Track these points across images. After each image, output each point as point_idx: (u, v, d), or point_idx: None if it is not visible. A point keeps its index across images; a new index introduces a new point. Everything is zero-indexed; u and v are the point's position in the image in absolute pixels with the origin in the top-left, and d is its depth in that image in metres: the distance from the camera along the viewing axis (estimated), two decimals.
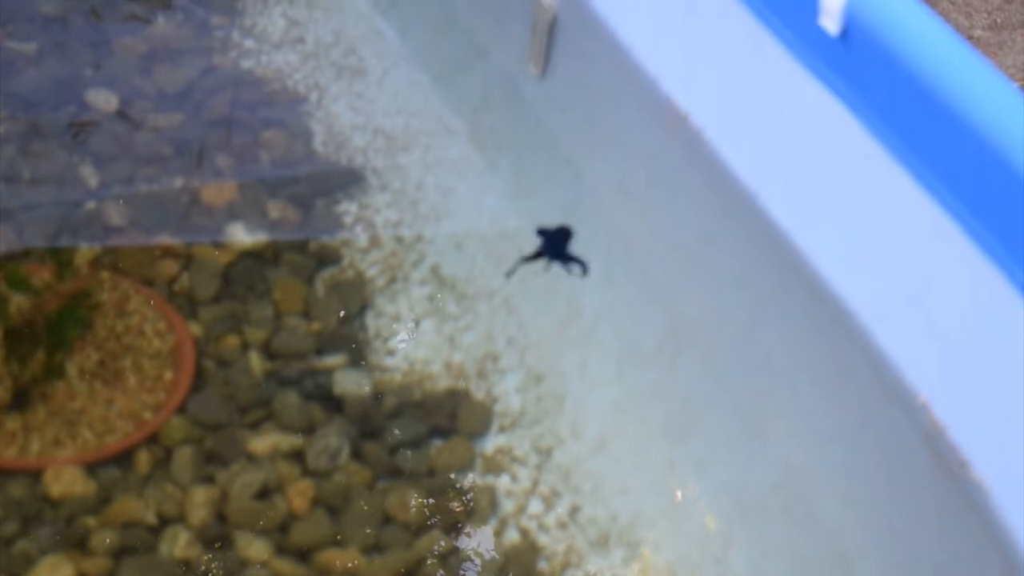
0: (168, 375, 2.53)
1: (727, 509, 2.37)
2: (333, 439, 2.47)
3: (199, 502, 2.37)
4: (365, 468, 2.46)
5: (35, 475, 2.39)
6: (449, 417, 2.54)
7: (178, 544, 2.34)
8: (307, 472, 2.44)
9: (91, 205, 2.75)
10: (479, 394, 2.58)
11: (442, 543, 2.39)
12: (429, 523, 2.41)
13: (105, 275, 2.65)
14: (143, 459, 2.43)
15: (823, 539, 2.18)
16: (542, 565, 2.38)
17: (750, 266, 2.25)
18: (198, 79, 3.05)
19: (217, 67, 3.09)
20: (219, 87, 3.04)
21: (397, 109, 3.04)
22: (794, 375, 2.23)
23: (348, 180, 2.90)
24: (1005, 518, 1.80)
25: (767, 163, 2.14)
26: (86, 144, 2.86)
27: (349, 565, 2.36)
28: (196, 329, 2.61)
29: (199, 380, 2.54)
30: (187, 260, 2.72)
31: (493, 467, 2.49)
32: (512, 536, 2.41)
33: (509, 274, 2.65)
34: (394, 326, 2.68)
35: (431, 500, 2.42)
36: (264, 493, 2.41)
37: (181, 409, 2.49)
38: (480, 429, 2.54)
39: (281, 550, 2.35)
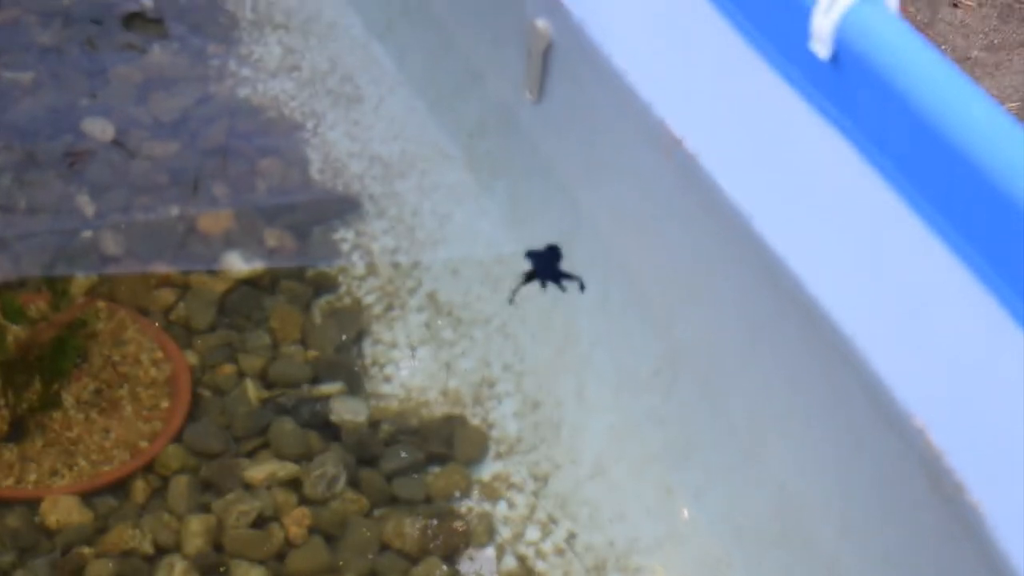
0: (164, 404, 2.53)
1: (725, 535, 2.37)
2: (330, 467, 2.46)
3: (195, 531, 2.37)
4: (362, 496, 2.45)
5: (32, 505, 2.39)
6: (446, 444, 2.54)
7: (174, 574, 2.33)
8: (304, 500, 2.44)
9: (87, 234, 2.75)
10: (475, 421, 2.58)
11: (440, 570, 2.38)
12: (426, 550, 2.40)
13: (101, 304, 2.65)
14: (139, 488, 2.43)
15: (820, 565, 2.17)
16: None
17: (746, 291, 2.25)
18: (194, 108, 3.06)
19: (213, 96, 3.10)
20: (215, 116, 3.04)
21: (393, 136, 3.04)
22: (791, 400, 2.22)
23: (345, 207, 2.90)
24: (1002, 543, 1.79)
25: (761, 187, 2.14)
26: (82, 173, 2.86)
27: None
28: (192, 358, 2.61)
29: (195, 409, 2.54)
30: (183, 289, 2.72)
31: (490, 494, 2.48)
32: (509, 563, 2.40)
33: (511, 300, 2.65)
34: (391, 353, 2.68)
35: (428, 527, 2.42)
36: (261, 522, 2.40)
37: (177, 438, 2.49)
38: (477, 456, 2.53)
39: None
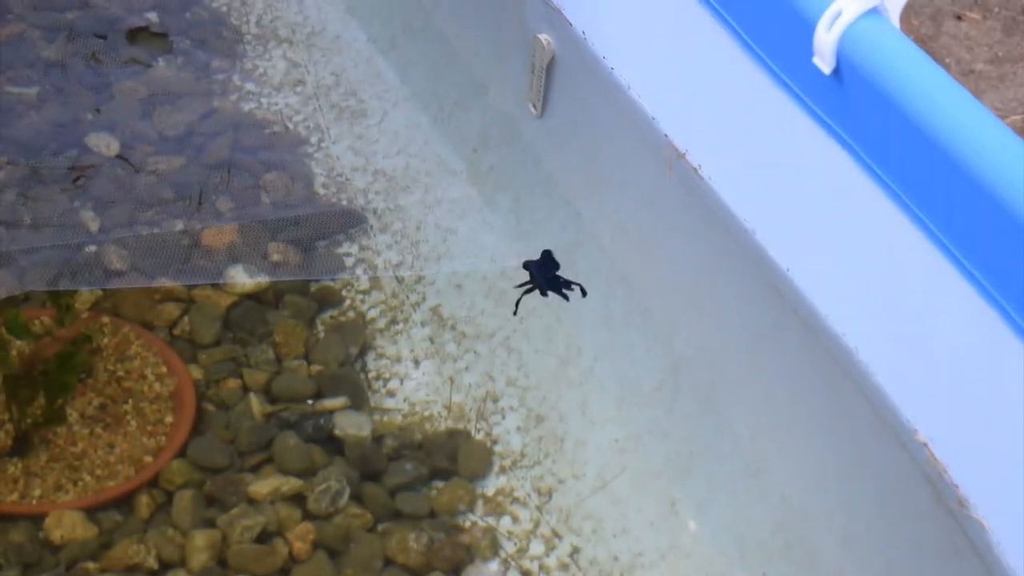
0: (169, 419, 2.53)
1: (728, 548, 2.36)
2: (334, 482, 2.46)
3: (200, 546, 2.37)
4: (366, 511, 2.45)
5: (36, 520, 2.39)
6: (449, 458, 2.54)
7: None
8: (308, 515, 2.44)
9: (91, 249, 2.75)
10: (479, 435, 2.58)
11: None
12: (430, 565, 2.40)
13: (105, 319, 2.65)
14: (144, 503, 2.43)
15: None
16: None
17: (748, 304, 2.25)
18: (198, 122, 3.06)
19: (217, 110, 3.10)
20: (219, 130, 3.05)
21: (397, 150, 3.04)
22: (793, 413, 2.22)
23: (349, 222, 2.90)
24: (1006, 558, 1.80)
25: (764, 200, 2.14)
26: (86, 188, 2.86)
27: None
28: (196, 372, 2.61)
29: (199, 423, 2.54)
30: (188, 303, 2.72)
31: (494, 508, 2.48)
32: None
33: (516, 312, 2.64)
34: (395, 367, 2.68)
35: (432, 542, 2.41)
36: (265, 536, 2.40)
37: (181, 453, 2.49)
38: (480, 470, 2.53)
39: None
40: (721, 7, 2.09)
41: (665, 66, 2.30)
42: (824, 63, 1.86)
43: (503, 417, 2.61)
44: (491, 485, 2.52)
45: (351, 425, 2.56)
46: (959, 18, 3.48)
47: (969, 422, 1.83)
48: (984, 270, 1.72)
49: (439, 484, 2.51)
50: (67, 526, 2.37)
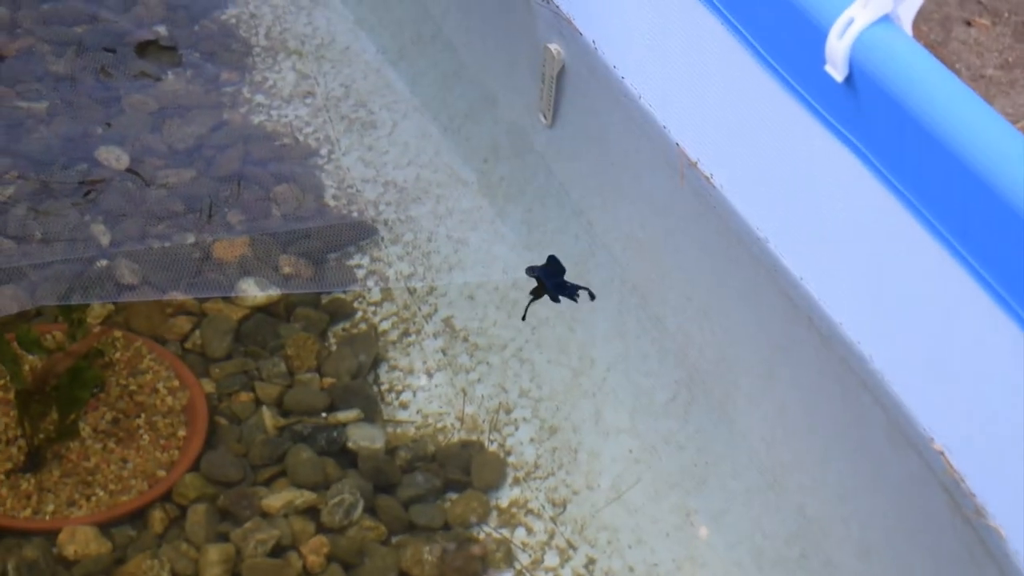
0: (181, 433, 2.53)
1: (744, 559, 2.36)
2: (347, 494, 2.46)
3: (213, 560, 2.36)
4: (380, 523, 2.45)
5: (50, 536, 2.38)
6: (463, 470, 2.53)
7: None
8: (322, 528, 2.43)
9: (103, 263, 2.75)
10: (493, 447, 2.57)
11: None
12: None
13: (117, 333, 2.65)
14: (157, 518, 2.42)
15: None
16: None
17: (763, 314, 2.25)
18: (208, 135, 3.06)
19: (227, 122, 3.10)
20: (230, 142, 3.05)
21: (408, 161, 3.04)
22: (809, 423, 2.22)
23: (360, 233, 2.90)
24: (1023, 566, 1.79)
25: (777, 209, 2.14)
26: (97, 202, 2.86)
27: None
28: (209, 386, 2.61)
29: (212, 437, 2.54)
30: (199, 317, 2.72)
31: (508, 520, 2.48)
32: None
33: (524, 317, 2.64)
34: (407, 379, 2.67)
35: (447, 554, 2.41)
36: (279, 550, 2.40)
37: (194, 467, 2.49)
38: (494, 482, 2.53)
39: None
40: (732, 16, 2.09)
41: (676, 75, 2.30)
42: (836, 71, 1.85)
43: (516, 428, 2.60)
44: (505, 497, 2.52)
45: (364, 437, 2.56)
46: (969, 24, 3.48)
47: (986, 431, 1.82)
48: (998, 276, 1.71)
49: (453, 496, 2.51)
50: (80, 541, 2.37)
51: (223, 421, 2.57)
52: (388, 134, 3.10)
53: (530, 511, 2.49)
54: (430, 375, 2.68)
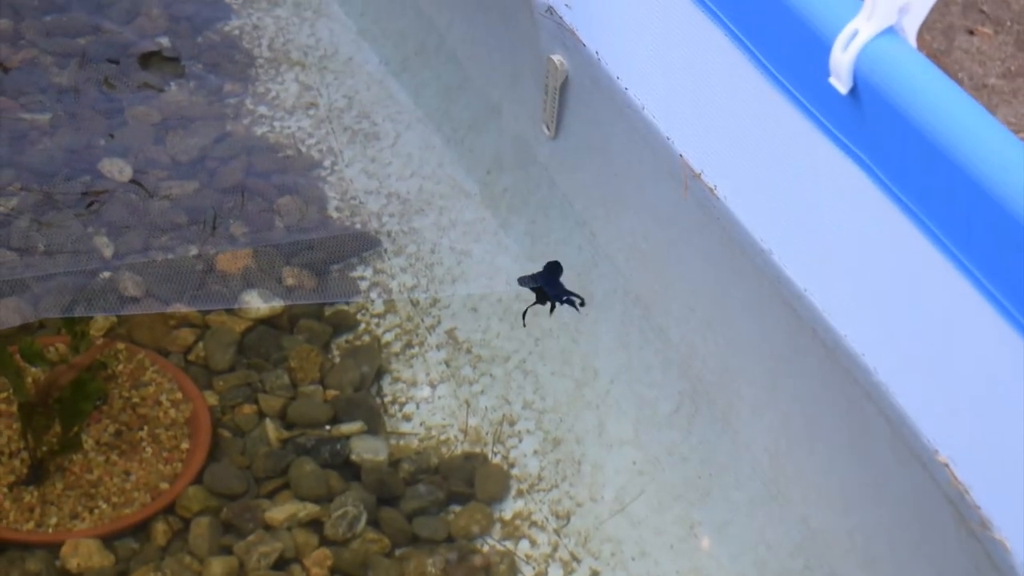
0: (184, 445, 2.53)
1: (748, 571, 2.35)
2: (351, 507, 2.46)
3: (217, 573, 2.36)
4: (383, 536, 2.44)
5: (53, 548, 2.38)
6: (467, 482, 2.53)
7: None
8: (325, 541, 2.43)
9: (106, 275, 2.75)
10: (496, 459, 2.57)
11: None
12: None
13: (120, 346, 2.65)
14: (160, 530, 2.42)
15: None
16: None
17: (766, 325, 2.24)
18: (211, 147, 3.06)
19: (230, 134, 3.10)
20: (233, 154, 3.05)
21: (411, 172, 3.04)
22: (812, 434, 2.21)
23: (363, 245, 2.89)
24: None
25: (781, 221, 2.13)
26: (100, 214, 2.86)
27: None
28: (212, 398, 2.61)
29: (215, 450, 2.54)
30: (202, 329, 2.72)
31: (512, 532, 2.47)
32: None
33: (524, 323, 2.64)
34: (410, 391, 2.67)
35: (450, 567, 2.41)
36: (282, 563, 2.40)
37: (198, 479, 2.49)
38: (498, 494, 2.52)
39: None
40: (736, 27, 2.09)
41: (680, 86, 2.30)
42: (840, 83, 1.85)
43: (520, 440, 2.60)
44: (508, 509, 2.51)
45: (367, 450, 2.56)
46: (971, 33, 3.47)
47: (991, 442, 1.82)
48: (1003, 287, 1.71)
49: (456, 508, 2.50)
50: (84, 554, 2.37)
51: (226, 433, 2.57)
52: (391, 145, 3.10)
53: (534, 523, 2.49)
54: (433, 387, 2.68)
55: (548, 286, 2.48)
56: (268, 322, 2.74)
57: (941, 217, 1.78)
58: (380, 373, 2.69)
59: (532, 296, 2.48)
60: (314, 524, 2.45)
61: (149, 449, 2.52)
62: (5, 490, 2.44)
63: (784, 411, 2.26)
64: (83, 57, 3.23)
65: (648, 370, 2.55)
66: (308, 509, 2.46)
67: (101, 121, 3.09)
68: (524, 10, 2.64)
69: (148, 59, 3.27)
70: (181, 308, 2.73)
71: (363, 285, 2.83)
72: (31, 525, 2.41)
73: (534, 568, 2.43)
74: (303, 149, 3.09)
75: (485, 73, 2.99)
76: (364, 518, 2.46)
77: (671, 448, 2.50)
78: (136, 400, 2.58)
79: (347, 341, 2.74)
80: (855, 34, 1.82)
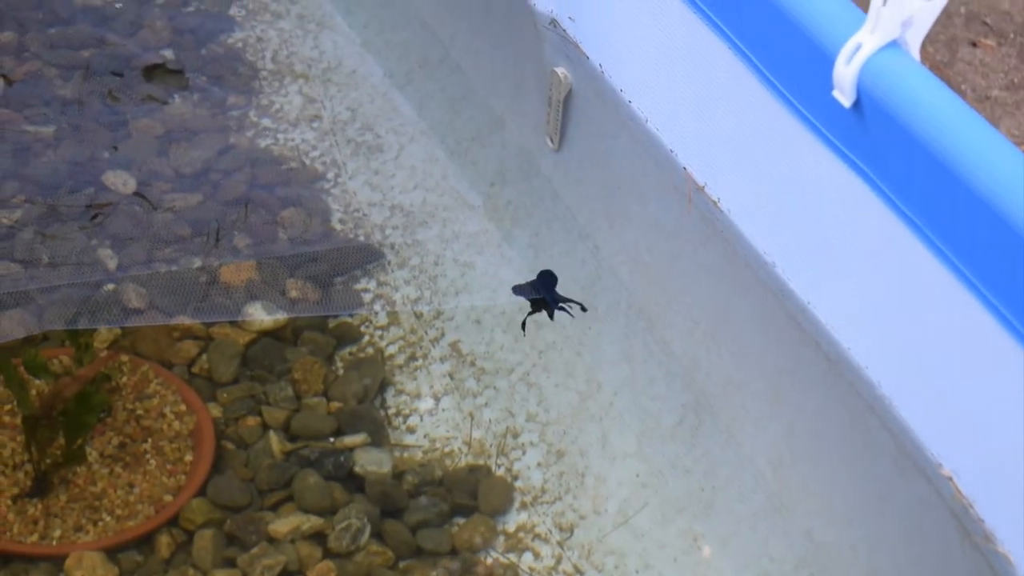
0: (188, 457, 2.53)
1: None
2: (354, 519, 2.46)
3: None
4: (387, 548, 2.44)
5: (56, 561, 2.38)
6: (470, 495, 2.53)
7: None
8: (329, 553, 2.43)
9: (109, 287, 2.75)
10: (500, 471, 2.57)
11: None
12: None
13: (124, 358, 2.65)
14: (164, 543, 2.42)
15: None
16: None
17: (769, 338, 2.24)
18: (215, 159, 3.06)
19: (234, 146, 3.10)
20: (236, 166, 3.05)
21: (414, 185, 3.04)
22: (816, 448, 2.21)
23: (367, 257, 2.90)
24: None
25: (784, 234, 2.14)
26: (104, 226, 2.86)
27: None
28: (216, 411, 2.61)
29: (219, 462, 2.54)
30: (206, 341, 2.72)
31: (515, 545, 2.47)
32: None
33: (523, 330, 2.64)
34: (414, 404, 2.67)
35: None
36: (286, 575, 2.39)
37: (201, 491, 2.49)
38: (502, 507, 2.52)
39: None
40: (740, 40, 2.09)
41: (683, 99, 2.30)
42: (844, 96, 1.85)
43: (523, 453, 2.60)
44: (512, 521, 2.51)
45: (371, 462, 2.56)
46: (974, 45, 3.48)
47: (995, 456, 1.82)
48: (1007, 300, 1.71)
49: (460, 521, 2.50)
50: (87, 567, 2.37)
51: (230, 446, 2.57)
52: (395, 158, 3.10)
53: (537, 536, 2.49)
54: (437, 399, 2.68)
55: (544, 292, 2.49)
56: (272, 334, 2.74)
57: (944, 230, 1.78)
58: (384, 385, 2.69)
59: (538, 317, 2.49)
60: (317, 537, 2.45)
61: (153, 461, 2.52)
62: (9, 502, 2.44)
63: (787, 424, 2.26)
64: (87, 69, 3.24)
65: (651, 383, 2.55)
66: (312, 522, 2.46)
67: (105, 133, 3.09)
68: (528, 23, 2.64)
69: (152, 71, 3.27)
70: (185, 320, 2.73)
71: (367, 297, 2.84)
72: (35, 538, 2.41)
73: None
74: (307, 161, 3.09)
75: (489, 85, 2.99)
76: (368, 531, 2.46)
77: (674, 461, 2.50)
78: (140, 412, 2.58)
79: (351, 353, 2.74)
80: (858, 47, 1.82)
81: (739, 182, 2.21)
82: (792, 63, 1.98)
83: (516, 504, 2.53)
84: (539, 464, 2.58)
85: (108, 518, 2.44)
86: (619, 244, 2.60)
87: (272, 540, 2.43)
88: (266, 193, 2.99)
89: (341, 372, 2.70)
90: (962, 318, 1.78)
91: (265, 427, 2.60)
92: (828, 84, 1.87)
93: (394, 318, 2.80)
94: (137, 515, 2.45)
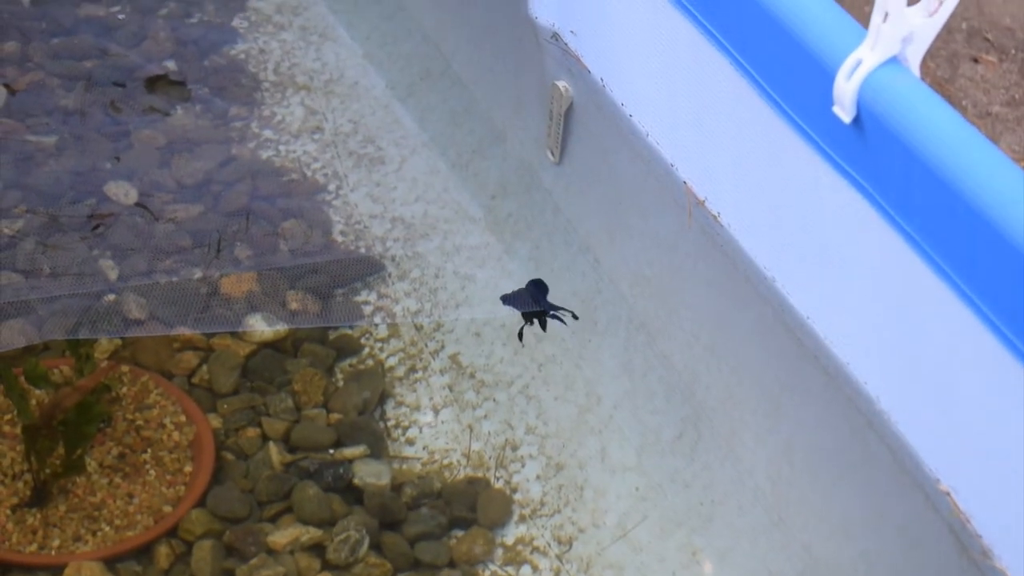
0: (188, 468, 2.53)
1: None
2: (353, 531, 2.46)
3: None
4: (385, 560, 2.45)
5: (56, 571, 2.38)
6: (469, 507, 2.53)
7: None
8: (327, 565, 2.43)
9: (110, 298, 2.75)
10: (499, 483, 2.57)
11: None
12: None
13: (124, 368, 2.65)
14: (163, 553, 2.42)
15: None
16: None
17: (769, 353, 2.25)
18: (217, 170, 3.06)
19: (236, 158, 3.11)
20: (238, 178, 3.05)
21: (416, 197, 3.04)
22: (814, 462, 2.22)
23: (367, 269, 2.90)
24: None
25: (784, 249, 2.14)
26: (105, 237, 2.87)
27: None
28: (215, 421, 2.61)
29: (219, 473, 2.54)
30: (206, 352, 2.72)
31: (514, 558, 2.47)
32: None
33: (522, 341, 2.65)
34: (414, 416, 2.67)
35: None
36: None
37: (201, 502, 2.49)
38: (500, 519, 2.52)
39: None
40: (741, 55, 2.09)
41: (684, 113, 2.30)
42: (844, 112, 1.86)
43: (523, 465, 2.60)
44: (511, 534, 2.51)
45: (370, 474, 2.56)
46: (976, 61, 3.48)
47: (993, 472, 1.82)
48: (1005, 317, 1.71)
49: (459, 533, 2.51)
50: None
51: (230, 457, 2.57)
52: (396, 170, 3.11)
53: (536, 549, 2.49)
54: (436, 411, 2.68)
55: (536, 301, 2.49)
56: (272, 346, 2.75)
57: (944, 246, 1.78)
58: (383, 397, 2.69)
59: (537, 330, 2.49)
60: (316, 548, 2.45)
61: (152, 472, 2.52)
62: (8, 512, 2.44)
63: (786, 438, 2.27)
64: (89, 80, 3.24)
65: (651, 396, 2.55)
66: (311, 533, 2.46)
67: (107, 144, 3.09)
68: (529, 36, 2.64)
69: (154, 82, 3.28)
70: (185, 331, 2.74)
71: (367, 309, 2.84)
72: (34, 547, 2.41)
73: None
74: (308, 173, 3.10)
75: (490, 98, 2.99)
76: (366, 542, 2.46)
77: (674, 474, 2.50)
78: (140, 423, 2.58)
79: (351, 365, 2.74)
80: (859, 63, 1.82)
81: (739, 196, 2.21)
82: (792, 78, 1.98)
83: (515, 517, 2.53)
84: (538, 477, 2.58)
85: (107, 528, 2.44)
86: (619, 257, 2.61)
87: (271, 551, 2.43)
88: (267, 205, 2.99)
89: (341, 384, 2.70)
90: (961, 334, 1.79)
91: (265, 438, 2.60)
92: (828, 100, 1.88)
93: (394, 330, 2.81)
94: (136, 525, 2.45)
